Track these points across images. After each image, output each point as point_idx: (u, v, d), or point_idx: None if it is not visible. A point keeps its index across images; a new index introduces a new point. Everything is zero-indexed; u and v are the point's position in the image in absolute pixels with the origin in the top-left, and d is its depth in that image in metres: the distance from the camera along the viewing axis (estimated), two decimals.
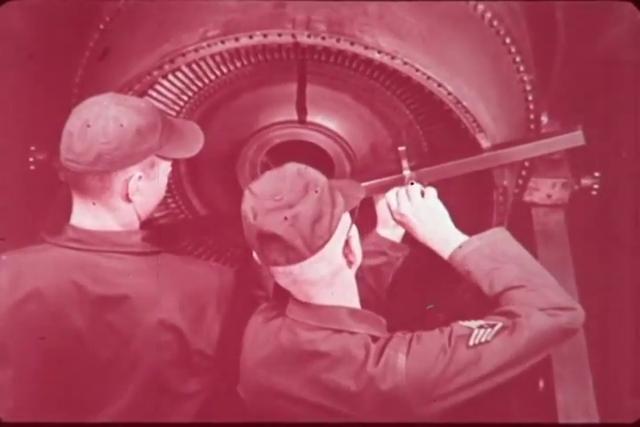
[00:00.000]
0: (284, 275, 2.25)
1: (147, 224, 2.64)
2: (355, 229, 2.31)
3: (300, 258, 2.21)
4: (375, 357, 2.25)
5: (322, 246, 2.22)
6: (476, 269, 2.43)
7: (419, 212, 2.56)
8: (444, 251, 2.50)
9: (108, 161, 2.38)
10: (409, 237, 2.69)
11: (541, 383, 2.94)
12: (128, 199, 2.45)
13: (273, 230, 2.18)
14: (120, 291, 2.43)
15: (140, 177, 2.43)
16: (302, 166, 2.27)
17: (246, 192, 2.25)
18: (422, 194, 2.60)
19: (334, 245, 2.24)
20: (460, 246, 2.47)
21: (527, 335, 2.28)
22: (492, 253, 2.44)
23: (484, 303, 2.42)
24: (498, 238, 2.50)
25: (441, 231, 2.52)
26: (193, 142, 2.56)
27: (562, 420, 2.80)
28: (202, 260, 2.95)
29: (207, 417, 2.57)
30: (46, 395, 2.51)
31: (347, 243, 2.28)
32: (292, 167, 2.26)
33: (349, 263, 2.30)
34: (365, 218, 2.58)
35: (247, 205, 2.23)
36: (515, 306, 2.33)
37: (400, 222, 2.60)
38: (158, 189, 2.52)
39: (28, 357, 2.48)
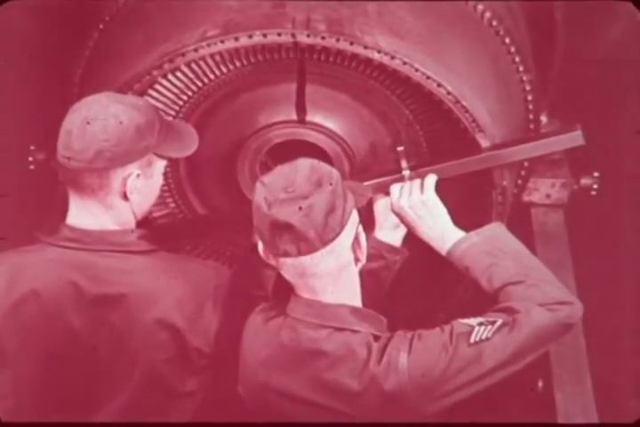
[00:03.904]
0: (293, 267, 2.25)
1: (146, 224, 2.64)
2: (361, 228, 2.32)
3: (312, 249, 2.21)
4: (377, 355, 2.24)
5: (333, 239, 2.22)
6: (475, 265, 2.43)
7: (416, 207, 2.56)
8: (442, 247, 2.50)
9: (108, 158, 2.38)
10: (408, 238, 2.70)
11: (540, 383, 2.94)
12: (125, 197, 2.44)
13: (287, 220, 2.18)
14: (117, 290, 2.43)
15: (138, 175, 2.43)
16: (315, 161, 2.28)
17: (258, 184, 2.26)
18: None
19: (344, 240, 2.24)
20: (458, 242, 2.47)
21: (527, 331, 2.28)
22: (490, 249, 2.45)
23: (484, 302, 2.42)
24: (495, 234, 2.50)
25: (439, 227, 2.53)
26: (189, 142, 2.56)
27: (561, 420, 2.80)
28: (199, 258, 2.95)
29: (205, 416, 2.57)
30: (45, 395, 2.51)
31: (356, 238, 2.28)
32: (304, 161, 2.27)
33: (357, 260, 2.30)
34: (364, 220, 2.58)
35: (259, 195, 2.23)
36: (514, 302, 2.33)
37: (398, 216, 2.60)
38: (154, 188, 2.52)
39: (27, 357, 2.47)
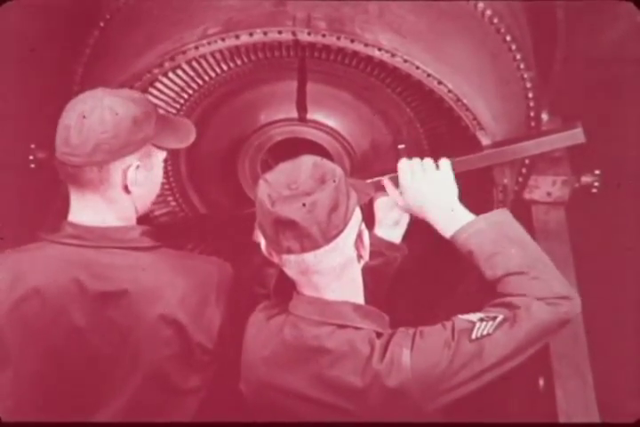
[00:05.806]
0: (296, 264, 2.24)
1: (147, 222, 2.64)
2: (364, 225, 2.31)
3: (315, 246, 2.21)
4: (380, 352, 2.24)
5: (336, 236, 2.22)
6: (479, 251, 2.41)
7: (432, 184, 2.52)
8: (448, 229, 2.47)
9: (107, 151, 2.38)
10: (407, 237, 2.69)
11: (541, 382, 2.94)
12: (127, 190, 2.44)
13: (291, 217, 2.18)
14: (120, 286, 2.42)
15: (137, 166, 2.43)
16: (318, 158, 2.28)
17: (261, 181, 2.25)
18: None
19: (347, 237, 2.24)
20: (465, 226, 2.44)
21: (527, 326, 2.28)
22: (496, 236, 2.43)
23: (484, 299, 2.42)
24: (502, 220, 2.47)
25: (448, 208, 2.49)
26: (186, 132, 2.56)
27: (562, 419, 2.80)
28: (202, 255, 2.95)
29: (207, 413, 2.57)
30: (47, 392, 2.50)
31: (359, 236, 2.28)
32: (307, 159, 2.27)
33: (359, 257, 2.30)
34: (364, 218, 2.58)
35: (263, 192, 2.23)
36: (514, 297, 2.33)
37: (408, 197, 2.56)
38: (155, 181, 2.52)
39: (30, 355, 2.47)
